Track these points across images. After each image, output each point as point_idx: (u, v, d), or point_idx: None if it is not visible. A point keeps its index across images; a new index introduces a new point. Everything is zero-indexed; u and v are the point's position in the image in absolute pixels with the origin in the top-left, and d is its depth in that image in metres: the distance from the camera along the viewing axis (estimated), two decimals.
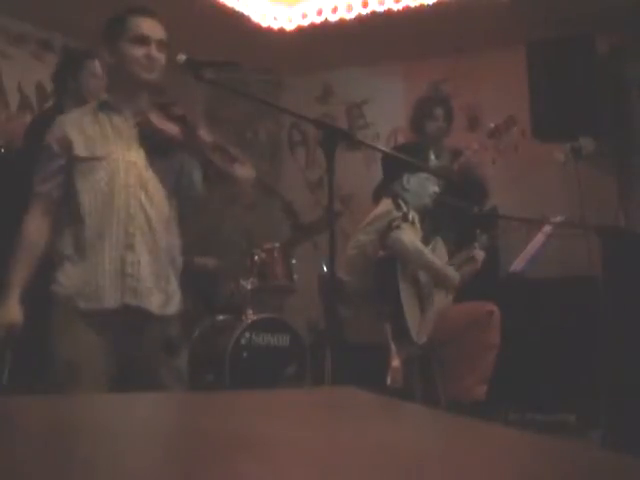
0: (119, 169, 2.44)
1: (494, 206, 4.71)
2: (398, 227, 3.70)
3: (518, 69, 5.03)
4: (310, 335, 4.70)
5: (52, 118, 2.64)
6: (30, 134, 3.68)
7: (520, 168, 5.29)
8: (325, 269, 3.88)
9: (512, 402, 4.38)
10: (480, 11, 4.82)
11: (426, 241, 3.94)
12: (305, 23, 5.32)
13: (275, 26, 5.34)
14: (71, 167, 2.45)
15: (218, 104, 6.05)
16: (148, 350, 2.45)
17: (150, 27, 2.49)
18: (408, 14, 5.02)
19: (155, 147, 2.48)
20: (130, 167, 2.46)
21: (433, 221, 4.14)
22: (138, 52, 2.46)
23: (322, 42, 5.40)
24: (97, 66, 3.65)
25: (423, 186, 3.94)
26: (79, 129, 2.47)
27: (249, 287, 4.34)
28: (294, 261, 4.53)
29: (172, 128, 2.47)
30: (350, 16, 5.16)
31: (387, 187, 4.02)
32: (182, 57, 2.34)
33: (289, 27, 5.36)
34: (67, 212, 2.47)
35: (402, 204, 3.85)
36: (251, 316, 4.21)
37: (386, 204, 3.90)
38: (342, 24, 5.20)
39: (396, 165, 3.95)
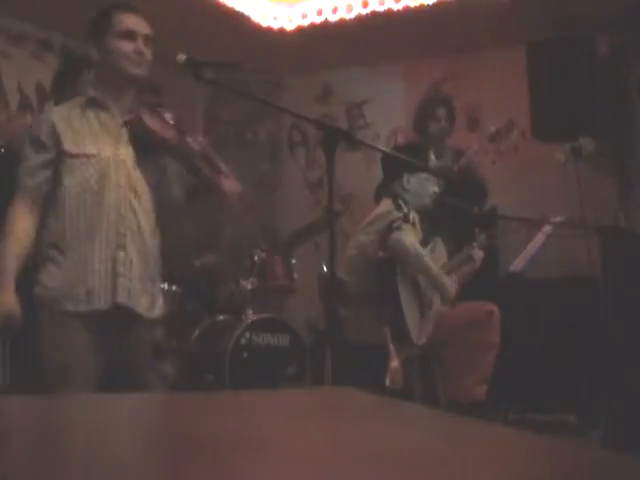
0: (110, 167, 2.40)
1: (494, 206, 4.71)
2: (399, 228, 3.69)
3: (518, 69, 5.03)
4: (310, 335, 4.70)
5: None
6: None
7: (520, 168, 5.29)
8: (325, 269, 3.88)
9: (512, 402, 4.38)
10: (480, 11, 4.82)
11: (426, 241, 3.94)
12: (305, 23, 5.32)
13: (275, 26, 5.34)
14: (59, 162, 2.40)
15: (218, 104, 6.06)
16: (135, 352, 2.43)
17: (135, 22, 2.48)
18: (408, 14, 5.03)
19: (144, 147, 2.45)
20: (120, 166, 2.42)
21: (432, 221, 4.14)
22: (126, 47, 2.44)
23: (322, 42, 5.40)
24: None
25: (423, 186, 3.94)
26: (67, 123, 2.43)
27: (249, 287, 4.34)
28: (294, 261, 4.53)
29: (164, 130, 2.44)
30: (350, 16, 5.16)
31: (387, 187, 4.02)
32: (182, 57, 2.33)
33: (289, 27, 5.36)
34: (52, 209, 2.40)
35: (402, 204, 3.85)
36: (251, 316, 4.21)
37: (386, 204, 3.90)
38: (342, 24, 5.20)
39: (396, 165, 3.95)
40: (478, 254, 3.96)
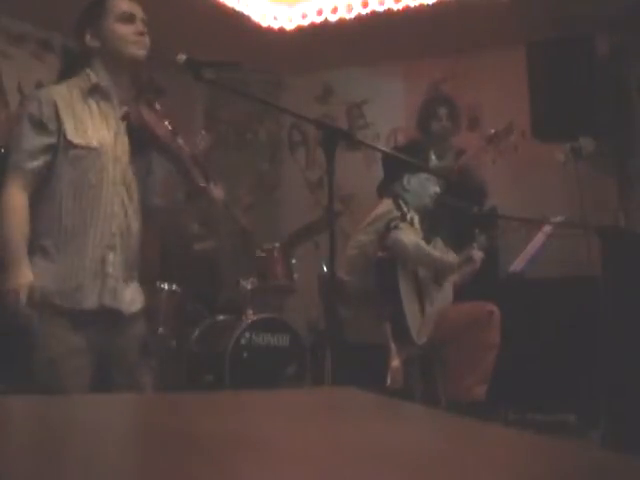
0: (108, 162, 2.34)
1: (494, 206, 4.72)
2: (396, 227, 3.70)
3: (518, 69, 5.03)
4: (310, 335, 4.70)
5: None
6: None
7: (520, 168, 5.29)
8: (325, 269, 3.88)
9: (512, 402, 4.38)
10: (480, 11, 4.83)
11: (426, 241, 3.94)
12: (305, 23, 5.32)
13: (275, 26, 5.34)
14: (58, 149, 2.30)
15: (218, 104, 6.07)
16: (126, 350, 2.40)
17: (131, 6, 2.44)
18: (408, 14, 5.03)
19: (137, 142, 2.40)
20: (116, 162, 2.36)
21: (433, 221, 4.14)
22: (126, 29, 2.39)
23: (322, 42, 5.40)
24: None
25: (423, 186, 3.94)
26: (69, 107, 2.33)
27: (249, 287, 4.34)
28: (294, 261, 4.53)
29: (161, 127, 2.41)
30: (350, 16, 5.17)
31: (388, 187, 4.02)
32: (182, 57, 2.31)
33: (289, 27, 5.36)
34: (45, 197, 2.32)
35: (402, 204, 3.86)
36: (251, 316, 4.21)
37: (387, 204, 3.91)
38: (342, 24, 5.20)
39: (396, 165, 3.95)
40: (478, 255, 3.97)
